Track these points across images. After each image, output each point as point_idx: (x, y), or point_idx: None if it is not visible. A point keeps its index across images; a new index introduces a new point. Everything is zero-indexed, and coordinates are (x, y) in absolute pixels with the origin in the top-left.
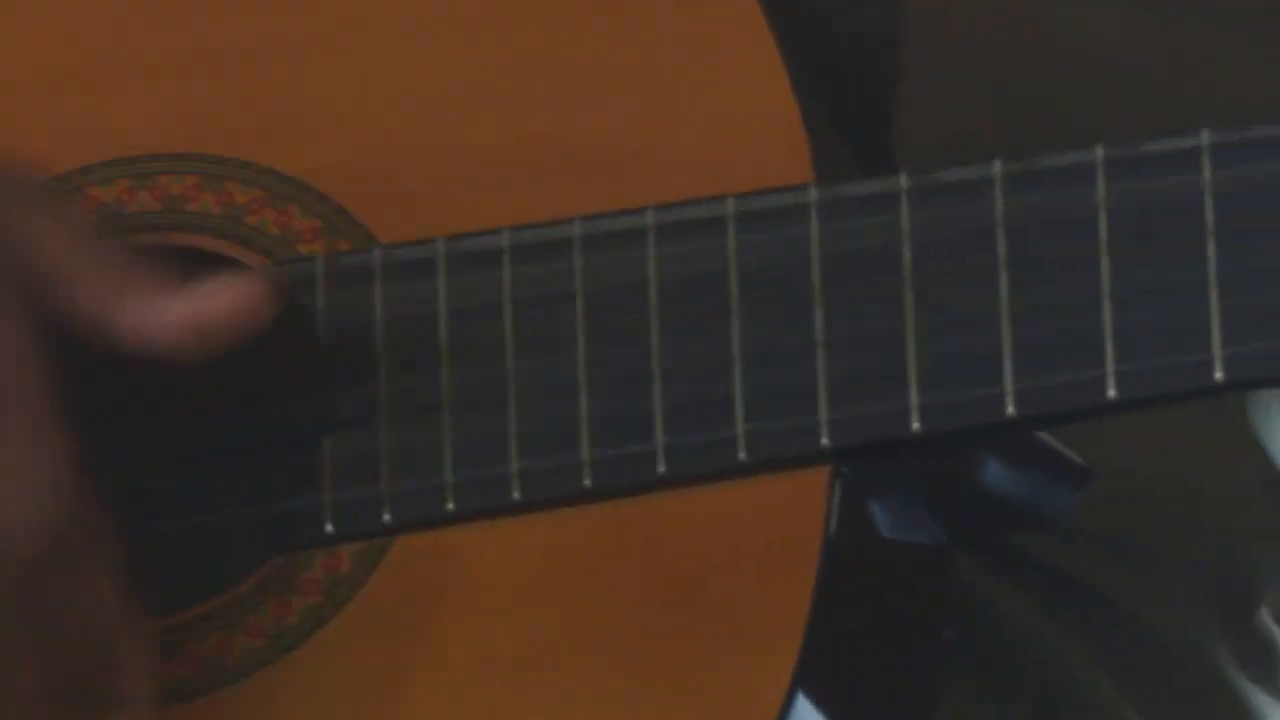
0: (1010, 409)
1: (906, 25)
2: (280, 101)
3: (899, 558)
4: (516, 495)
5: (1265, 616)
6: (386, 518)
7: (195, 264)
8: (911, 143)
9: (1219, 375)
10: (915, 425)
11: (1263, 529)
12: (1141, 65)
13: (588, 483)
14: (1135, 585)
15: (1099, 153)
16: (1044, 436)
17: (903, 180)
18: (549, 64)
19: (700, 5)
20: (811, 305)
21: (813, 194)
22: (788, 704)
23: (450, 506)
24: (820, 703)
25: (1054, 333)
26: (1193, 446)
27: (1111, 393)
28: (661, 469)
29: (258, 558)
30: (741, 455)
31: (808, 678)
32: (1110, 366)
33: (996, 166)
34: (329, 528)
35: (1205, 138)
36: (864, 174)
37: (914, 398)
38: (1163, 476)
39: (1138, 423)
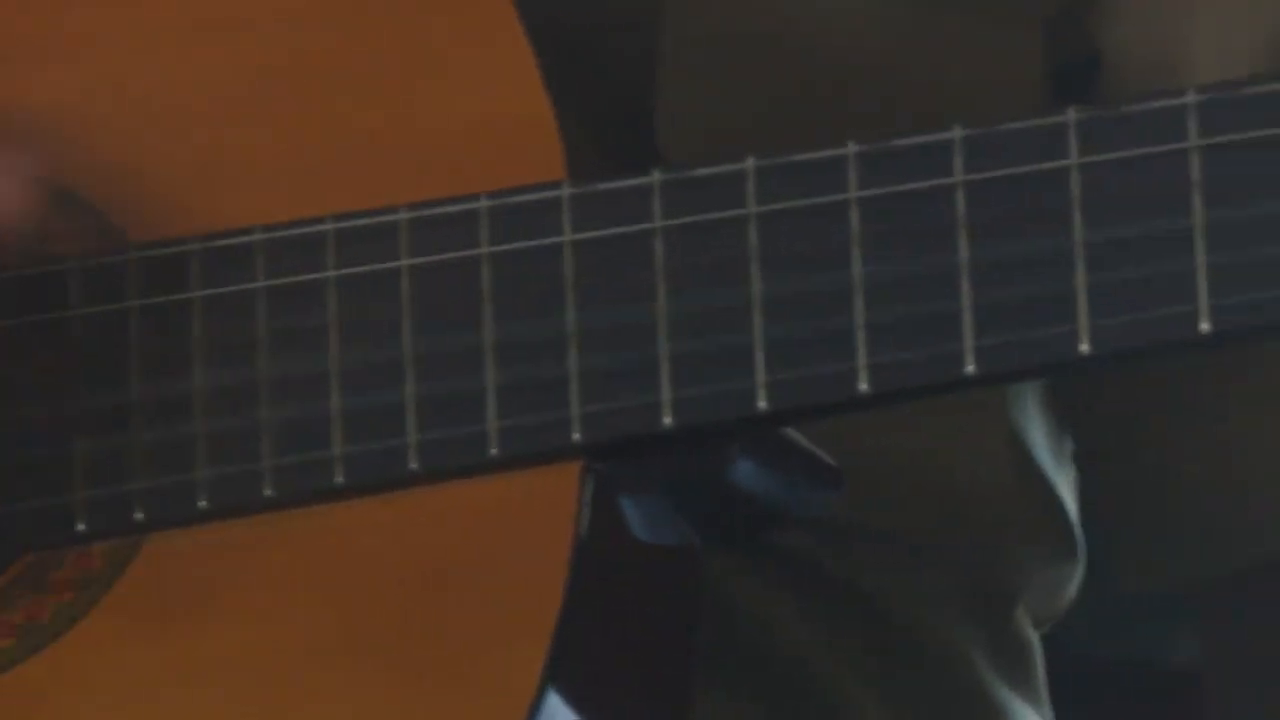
0: (762, 403)
1: (665, 15)
2: (37, 104)
3: (650, 556)
4: (269, 492)
5: (1021, 616)
6: (138, 516)
7: None
8: (672, 133)
9: (970, 368)
10: (667, 420)
11: (1021, 526)
12: (898, 54)
13: (340, 479)
14: (891, 582)
15: (852, 148)
16: (795, 435)
17: (656, 175)
18: (304, 67)
19: (453, 6)
20: (564, 300)
21: (565, 190)
22: (538, 701)
23: (202, 504)
24: (571, 700)
25: (805, 327)
26: (950, 441)
27: (863, 386)
28: (414, 465)
29: (8, 556)
30: (493, 451)
31: (559, 675)
32: (862, 360)
33: (750, 162)
34: (80, 526)
35: (957, 132)
36: (620, 168)
37: (666, 392)
38: (919, 472)
39: (895, 417)
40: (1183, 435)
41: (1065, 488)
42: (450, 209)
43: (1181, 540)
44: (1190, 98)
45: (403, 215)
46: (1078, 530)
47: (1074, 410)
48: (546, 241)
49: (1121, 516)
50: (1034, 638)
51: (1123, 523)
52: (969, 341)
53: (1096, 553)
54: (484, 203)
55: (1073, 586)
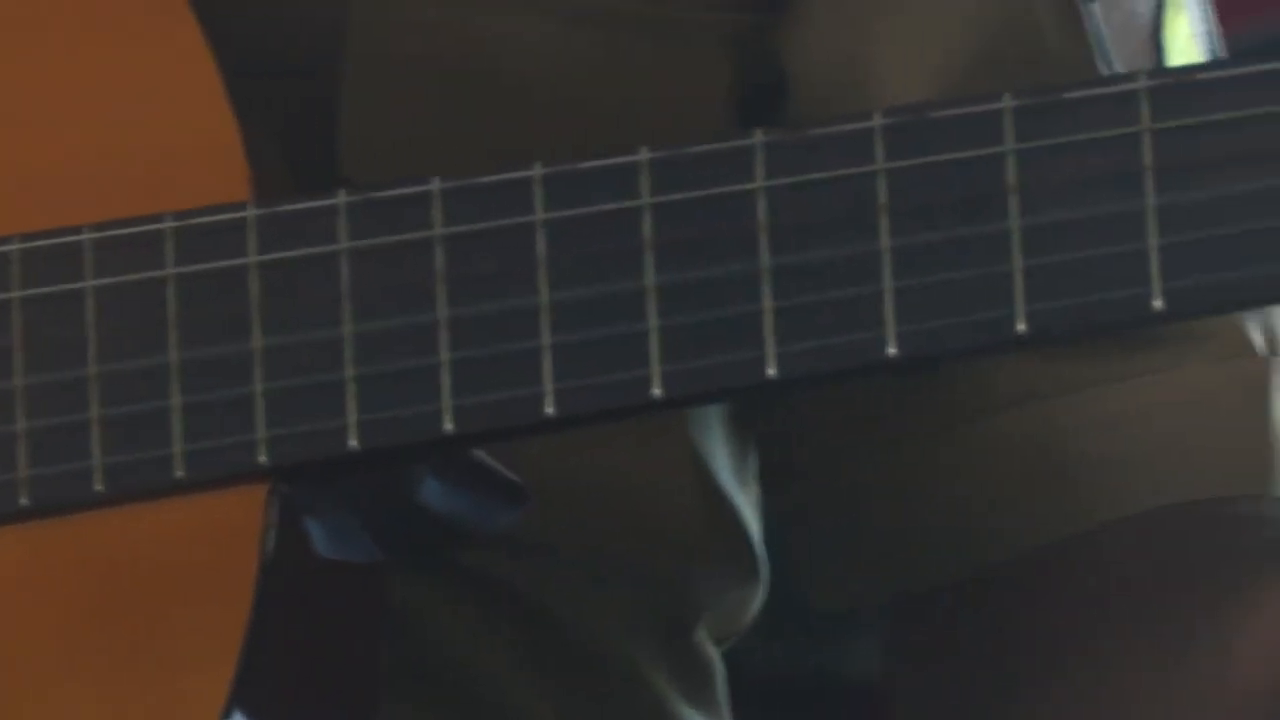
0: (449, 425)
1: (348, 39)
2: None
3: (335, 576)
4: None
5: (702, 635)
6: None
7: None
8: (356, 157)
9: (656, 391)
10: (353, 443)
11: (702, 547)
12: (586, 78)
13: (25, 501)
14: (572, 600)
15: (538, 170)
16: (480, 454)
17: (342, 196)
18: None
19: (139, 29)
20: (249, 322)
21: (250, 212)
22: None
23: None
24: None
25: (491, 349)
26: (634, 462)
27: (549, 410)
28: (99, 486)
29: None
30: (179, 473)
31: (244, 699)
32: (548, 383)
33: (435, 184)
34: None
35: (644, 154)
36: (305, 188)
37: (352, 414)
38: (603, 492)
39: (582, 437)
40: (869, 453)
41: (748, 508)
42: (134, 230)
43: (865, 558)
44: (877, 120)
45: (87, 236)
46: (760, 550)
47: (759, 428)
48: (232, 263)
49: (806, 535)
50: (715, 655)
51: (807, 541)
52: (655, 365)
53: (780, 570)
54: (169, 224)
55: (754, 605)
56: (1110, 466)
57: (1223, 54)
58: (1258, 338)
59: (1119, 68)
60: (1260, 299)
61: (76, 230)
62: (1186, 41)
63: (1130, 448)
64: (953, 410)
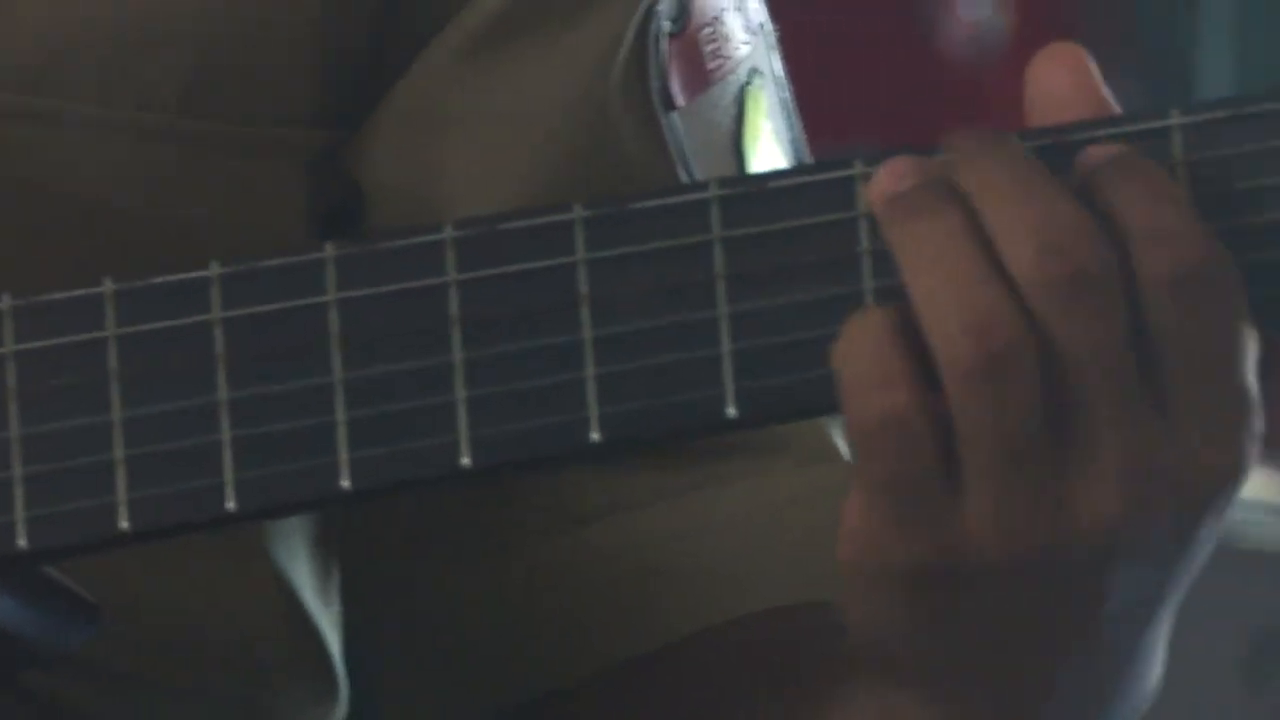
0: (21, 541)
1: None
2: None
3: None
4: None
5: None
6: None
7: None
8: None
9: (230, 505)
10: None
11: (281, 667)
12: (161, 194)
13: None
14: None
15: (108, 286)
16: (52, 571)
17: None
18: None
19: None
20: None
21: None
22: None
23: None
24: None
25: (63, 464)
26: (211, 580)
27: (123, 524)
28: None
29: None
30: None
31: None
32: (121, 496)
33: (4, 300)
34: None
35: (215, 268)
36: None
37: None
38: (179, 611)
39: (157, 556)
40: (450, 569)
41: (330, 626)
42: None
43: (450, 675)
44: (448, 233)
45: None
46: (339, 668)
47: (344, 543)
48: None
49: (386, 651)
50: None
51: (387, 657)
52: (229, 474)
53: (359, 687)
54: None
55: None
56: (698, 576)
57: (809, 160)
58: (842, 443)
59: (699, 175)
60: (833, 405)
61: None
62: (770, 150)
63: (717, 556)
64: (537, 523)
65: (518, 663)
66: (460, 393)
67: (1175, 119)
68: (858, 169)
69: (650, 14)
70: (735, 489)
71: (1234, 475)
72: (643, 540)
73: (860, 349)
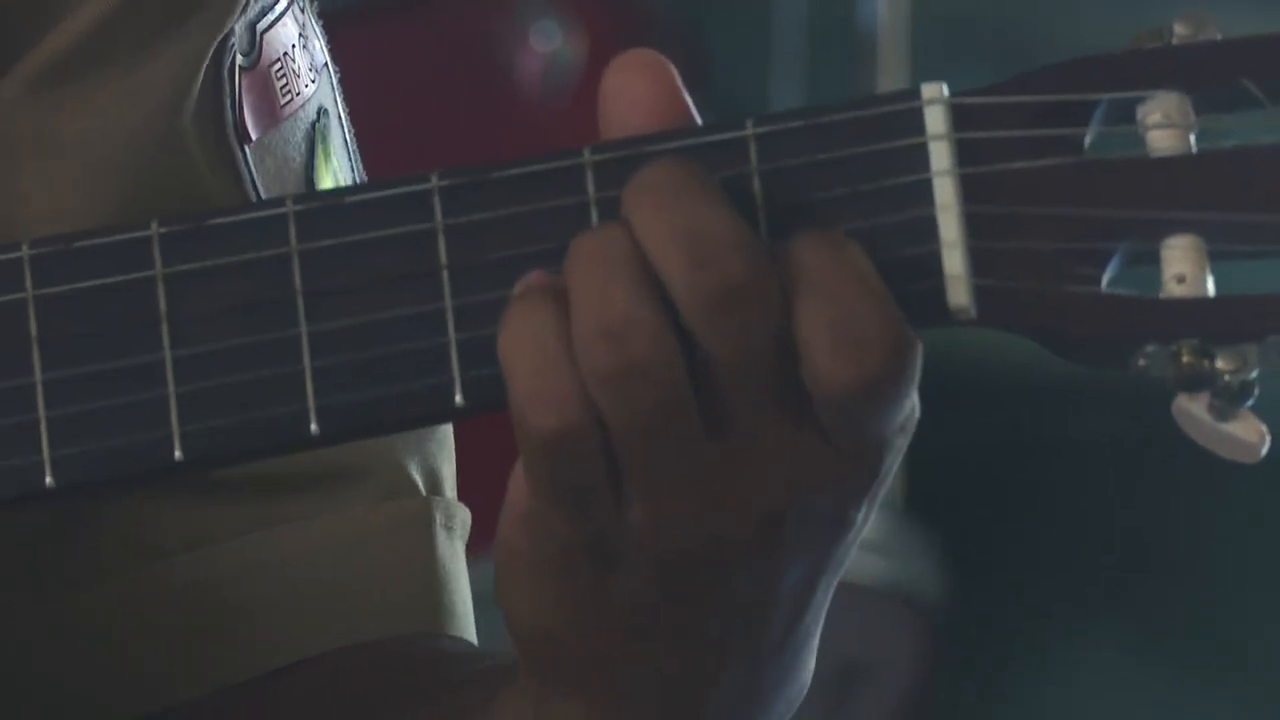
0: None
1: None
2: None
3: None
4: None
5: None
6: None
7: None
8: None
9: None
10: None
11: None
12: None
13: None
14: None
15: None
16: None
17: None
18: None
19: None
20: None
21: None
22: None
23: None
24: None
25: None
26: None
27: None
28: None
29: None
30: None
31: None
32: None
33: None
34: None
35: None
36: None
37: None
38: None
39: None
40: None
41: None
42: None
43: (24, 710)
44: (26, 251)
45: None
46: None
47: None
48: None
49: None
50: None
51: None
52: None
53: None
54: None
55: None
56: (278, 610)
57: None
58: (418, 477)
59: None
60: (409, 419)
61: None
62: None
63: (297, 591)
64: (112, 557)
65: (89, 698)
66: (41, 412)
67: (750, 130)
68: (433, 183)
69: (224, 47)
70: (313, 524)
71: (881, 460)
72: (225, 574)
73: (527, 356)
